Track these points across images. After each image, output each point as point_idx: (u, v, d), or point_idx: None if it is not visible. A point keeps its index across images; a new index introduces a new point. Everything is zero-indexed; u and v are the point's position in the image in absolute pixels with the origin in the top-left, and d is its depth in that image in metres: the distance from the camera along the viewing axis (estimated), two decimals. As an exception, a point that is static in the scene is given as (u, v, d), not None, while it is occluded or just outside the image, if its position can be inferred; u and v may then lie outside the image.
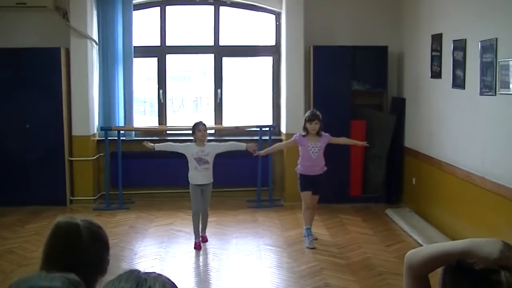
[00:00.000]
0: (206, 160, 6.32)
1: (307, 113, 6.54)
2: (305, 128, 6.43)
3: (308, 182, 6.44)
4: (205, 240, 6.54)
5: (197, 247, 6.34)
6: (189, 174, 6.38)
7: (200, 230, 6.45)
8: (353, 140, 7.05)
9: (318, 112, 6.44)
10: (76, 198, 8.25)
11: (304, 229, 6.55)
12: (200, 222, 6.45)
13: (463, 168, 6.13)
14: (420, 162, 7.51)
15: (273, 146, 7.21)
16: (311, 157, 6.40)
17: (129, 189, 8.27)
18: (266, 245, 6.54)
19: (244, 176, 8.28)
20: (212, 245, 6.47)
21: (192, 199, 6.40)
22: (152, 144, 6.41)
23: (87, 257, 1.84)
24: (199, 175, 6.33)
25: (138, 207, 8.11)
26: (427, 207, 7.26)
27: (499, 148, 5.40)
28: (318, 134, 6.40)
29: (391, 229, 7.12)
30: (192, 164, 6.33)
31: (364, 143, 6.91)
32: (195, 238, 6.40)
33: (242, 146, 6.56)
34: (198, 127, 6.33)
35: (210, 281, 5.54)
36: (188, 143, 6.44)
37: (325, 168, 6.51)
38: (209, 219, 6.69)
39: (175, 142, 6.87)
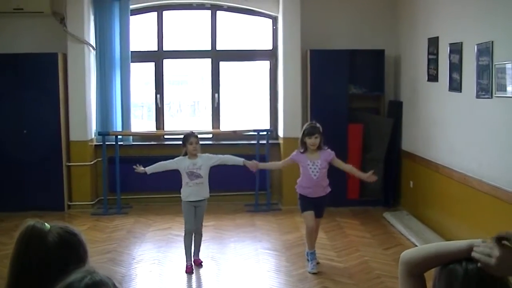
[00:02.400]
0: (198, 174, 5.77)
1: (305, 126, 5.86)
2: (303, 143, 5.74)
3: (309, 203, 5.78)
4: (198, 263, 5.93)
5: (189, 270, 5.76)
6: (181, 190, 5.88)
7: (192, 253, 5.90)
8: (359, 172, 6.11)
9: (318, 125, 5.77)
10: (74, 203, 8.25)
11: (307, 253, 5.91)
12: (193, 244, 5.90)
13: (460, 171, 6.15)
14: (417, 165, 7.53)
15: (270, 163, 7.08)
16: (311, 178, 5.70)
17: (127, 194, 8.27)
18: (264, 249, 6.55)
19: (241, 180, 8.26)
20: (210, 249, 6.46)
21: (184, 217, 5.86)
22: (143, 168, 5.87)
23: (47, 261, 1.84)
24: (191, 191, 5.79)
25: (136, 212, 8.11)
26: (424, 210, 7.27)
27: (496, 151, 5.42)
28: (318, 148, 5.73)
29: (389, 232, 7.13)
30: (184, 179, 5.82)
31: (372, 177, 5.80)
32: (187, 261, 5.84)
33: (240, 161, 5.98)
34: (189, 139, 5.78)
35: (209, 286, 5.55)
36: (180, 157, 5.87)
37: (329, 189, 5.84)
38: (207, 223, 6.60)
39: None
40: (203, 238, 6.09)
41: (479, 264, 1.58)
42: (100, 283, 1.50)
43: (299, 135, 5.91)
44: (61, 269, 1.72)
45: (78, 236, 1.97)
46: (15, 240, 1.94)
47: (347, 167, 6.03)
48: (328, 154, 5.75)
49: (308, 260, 5.85)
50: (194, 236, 5.91)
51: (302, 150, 5.76)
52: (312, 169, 5.70)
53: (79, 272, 1.54)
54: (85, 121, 8.21)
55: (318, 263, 5.88)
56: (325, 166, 5.74)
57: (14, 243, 1.94)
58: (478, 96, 5.68)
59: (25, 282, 1.84)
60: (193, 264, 5.88)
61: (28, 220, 1.96)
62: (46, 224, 1.93)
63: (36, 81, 7.88)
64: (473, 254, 1.59)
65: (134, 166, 5.93)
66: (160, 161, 6.05)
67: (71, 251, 1.91)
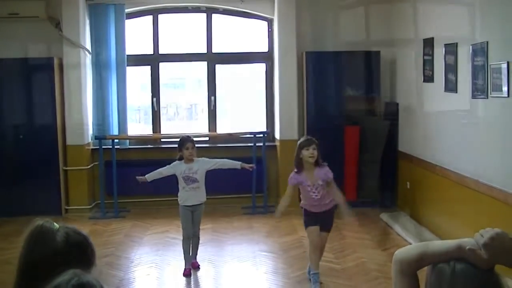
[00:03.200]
0: (194, 179, 5.77)
1: (301, 139, 5.42)
2: (298, 160, 5.26)
3: (314, 218, 5.35)
4: (196, 266, 5.93)
5: (187, 273, 5.77)
6: (178, 195, 5.86)
7: (190, 256, 5.89)
8: (344, 206, 5.35)
9: (314, 139, 5.33)
10: (71, 207, 8.24)
11: (310, 274, 5.36)
12: (191, 247, 5.90)
13: (456, 172, 6.16)
14: (414, 166, 7.54)
15: (281, 204, 5.56)
16: (312, 198, 5.28)
17: (124, 197, 8.26)
18: (262, 251, 6.54)
19: (238, 183, 8.27)
20: (207, 252, 6.45)
21: (182, 222, 5.86)
22: (144, 177, 5.89)
23: (55, 260, 1.84)
24: (188, 195, 5.79)
25: (133, 216, 8.11)
26: (421, 211, 7.28)
27: (492, 151, 5.43)
28: (316, 164, 5.25)
29: (386, 233, 7.14)
30: (180, 183, 5.81)
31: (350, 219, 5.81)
32: (185, 264, 5.83)
33: (237, 164, 5.96)
34: (185, 145, 5.74)
35: (207, 288, 5.56)
36: (176, 162, 5.85)
37: (334, 203, 5.38)
38: (204, 226, 6.61)
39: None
40: (200, 241, 6.07)
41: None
42: (87, 284, 1.51)
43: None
44: (69, 269, 1.72)
45: (86, 237, 2.00)
46: (24, 239, 1.96)
47: (338, 196, 5.35)
48: (325, 172, 5.27)
49: (310, 280, 5.39)
50: (192, 239, 5.92)
51: (296, 170, 5.30)
52: (313, 190, 5.26)
53: (66, 273, 1.55)
54: (82, 125, 8.21)
55: (321, 283, 5.36)
56: (324, 186, 5.26)
57: (23, 241, 1.95)
58: (473, 97, 5.69)
59: (31, 280, 1.85)
60: (190, 267, 5.87)
61: (37, 220, 1.97)
62: (54, 223, 1.95)
63: (32, 86, 7.88)
64: (475, 235, 1.65)
65: (137, 177, 5.98)
66: (157, 164, 6.07)
67: (78, 250, 1.93)
